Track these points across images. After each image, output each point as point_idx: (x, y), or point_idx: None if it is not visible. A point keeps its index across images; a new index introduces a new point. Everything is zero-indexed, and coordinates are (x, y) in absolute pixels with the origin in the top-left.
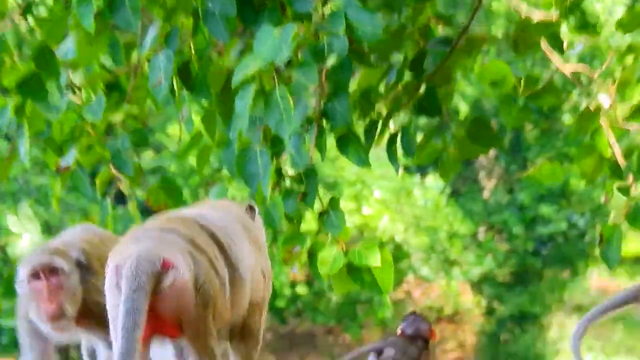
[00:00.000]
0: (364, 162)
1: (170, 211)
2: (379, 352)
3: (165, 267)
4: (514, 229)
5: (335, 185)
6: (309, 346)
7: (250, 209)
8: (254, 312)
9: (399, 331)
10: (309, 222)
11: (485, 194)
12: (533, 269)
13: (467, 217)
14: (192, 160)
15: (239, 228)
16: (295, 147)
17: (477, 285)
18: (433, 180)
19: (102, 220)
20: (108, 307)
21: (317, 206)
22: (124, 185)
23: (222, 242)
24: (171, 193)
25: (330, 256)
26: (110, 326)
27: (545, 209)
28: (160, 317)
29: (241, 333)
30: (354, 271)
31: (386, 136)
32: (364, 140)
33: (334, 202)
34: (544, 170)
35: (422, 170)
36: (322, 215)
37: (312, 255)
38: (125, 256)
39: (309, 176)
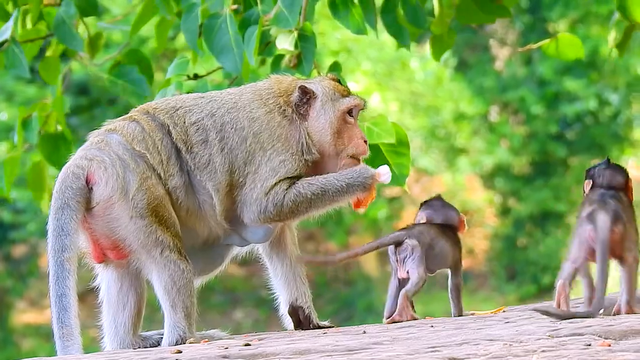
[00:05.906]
0: (361, 29)
1: None
2: (398, 244)
3: None
4: (533, 108)
5: None
6: None
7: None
8: None
9: (422, 219)
10: None
11: (498, 66)
12: (556, 157)
13: (476, 94)
14: (145, 30)
15: None
16: (287, 3)
17: (489, 179)
18: None
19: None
20: None
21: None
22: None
23: None
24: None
25: None
26: None
27: (571, 84)
28: None
29: None
30: None
31: None
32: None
33: (335, 68)
34: (561, 43)
35: (420, 38)
36: None
37: None
38: None
39: (304, 38)
